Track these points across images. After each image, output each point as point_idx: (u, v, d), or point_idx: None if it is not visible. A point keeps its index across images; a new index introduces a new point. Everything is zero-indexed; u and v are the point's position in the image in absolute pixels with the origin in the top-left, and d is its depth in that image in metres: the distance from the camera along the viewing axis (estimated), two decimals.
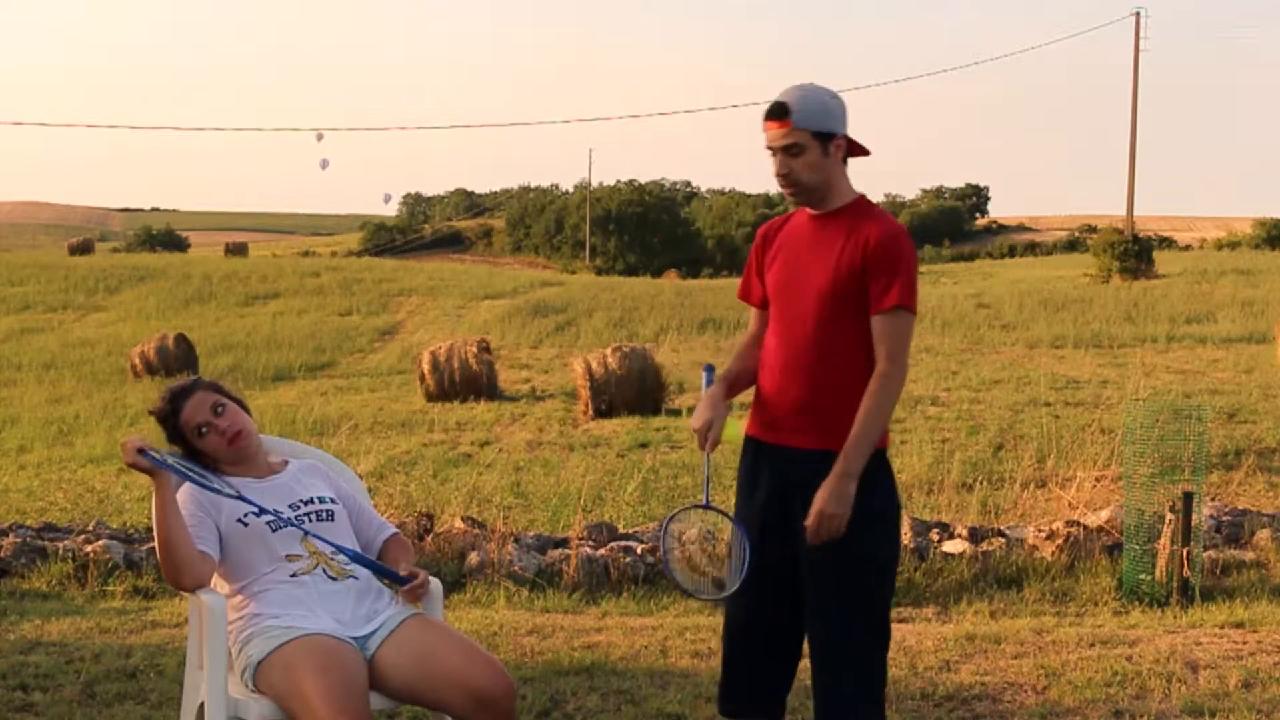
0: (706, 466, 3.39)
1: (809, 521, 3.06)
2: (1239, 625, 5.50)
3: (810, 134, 3.08)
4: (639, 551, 6.46)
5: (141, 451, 3.12)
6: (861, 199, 3.19)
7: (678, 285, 37.49)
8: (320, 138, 50.94)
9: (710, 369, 3.37)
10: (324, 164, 57.08)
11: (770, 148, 3.13)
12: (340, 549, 3.29)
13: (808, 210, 3.22)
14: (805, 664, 3.34)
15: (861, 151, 3.19)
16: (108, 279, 34.78)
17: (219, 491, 3.24)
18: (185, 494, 3.28)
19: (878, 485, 3.13)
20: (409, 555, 3.48)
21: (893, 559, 3.26)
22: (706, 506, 3.38)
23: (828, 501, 3.03)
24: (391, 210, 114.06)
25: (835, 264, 3.10)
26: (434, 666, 3.08)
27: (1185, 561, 5.95)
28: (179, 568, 3.14)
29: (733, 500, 3.41)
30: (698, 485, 9.53)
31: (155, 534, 3.18)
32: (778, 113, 3.08)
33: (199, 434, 3.33)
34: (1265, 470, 9.65)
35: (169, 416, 3.36)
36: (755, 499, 3.27)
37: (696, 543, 3.47)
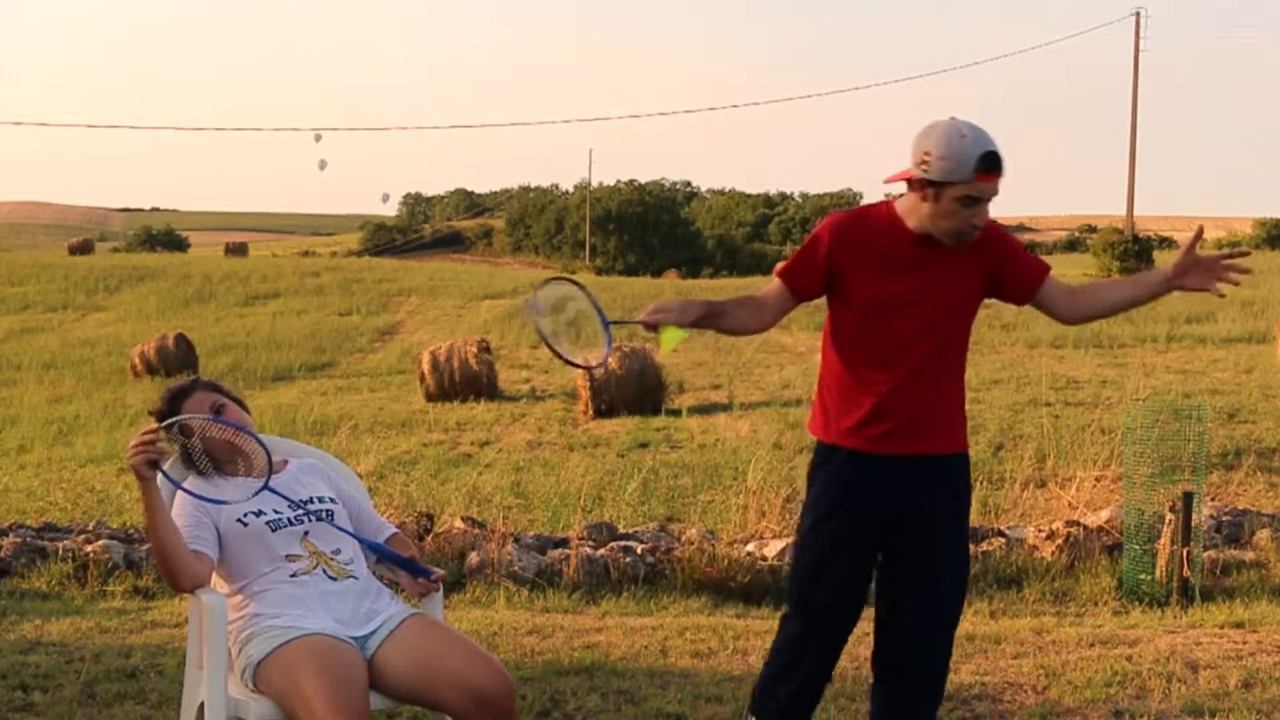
0: (627, 321, 3.50)
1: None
2: (1239, 625, 5.50)
3: None
4: (639, 551, 6.46)
5: (155, 465, 3.08)
6: None
7: (678, 285, 37.50)
8: (318, 138, 51.07)
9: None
10: (322, 164, 57.18)
11: (976, 196, 3.15)
12: (358, 538, 3.33)
13: (910, 226, 3.24)
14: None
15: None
16: (108, 279, 34.78)
17: (220, 502, 3.24)
18: (184, 495, 3.28)
19: (968, 486, 3.40)
20: (410, 555, 3.48)
21: None
22: (593, 302, 3.40)
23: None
24: (391, 210, 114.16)
25: (968, 285, 3.29)
26: (434, 666, 3.08)
27: (1185, 561, 5.95)
28: (175, 571, 3.13)
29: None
30: (697, 485, 9.54)
31: (149, 540, 3.17)
32: (999, 164, 3.13)
33: (203, 432, 3.33)
34: (1265, 470, 9.65)
35: (168, 417, 3.36)
36: (868, 514, 3.36)
37: (566, 323, 3.45)
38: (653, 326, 3.29)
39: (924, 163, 3.11)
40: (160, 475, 3.16)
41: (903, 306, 3.24)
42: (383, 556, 3.37)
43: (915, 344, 3.25)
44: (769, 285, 3.42)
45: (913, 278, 3.23)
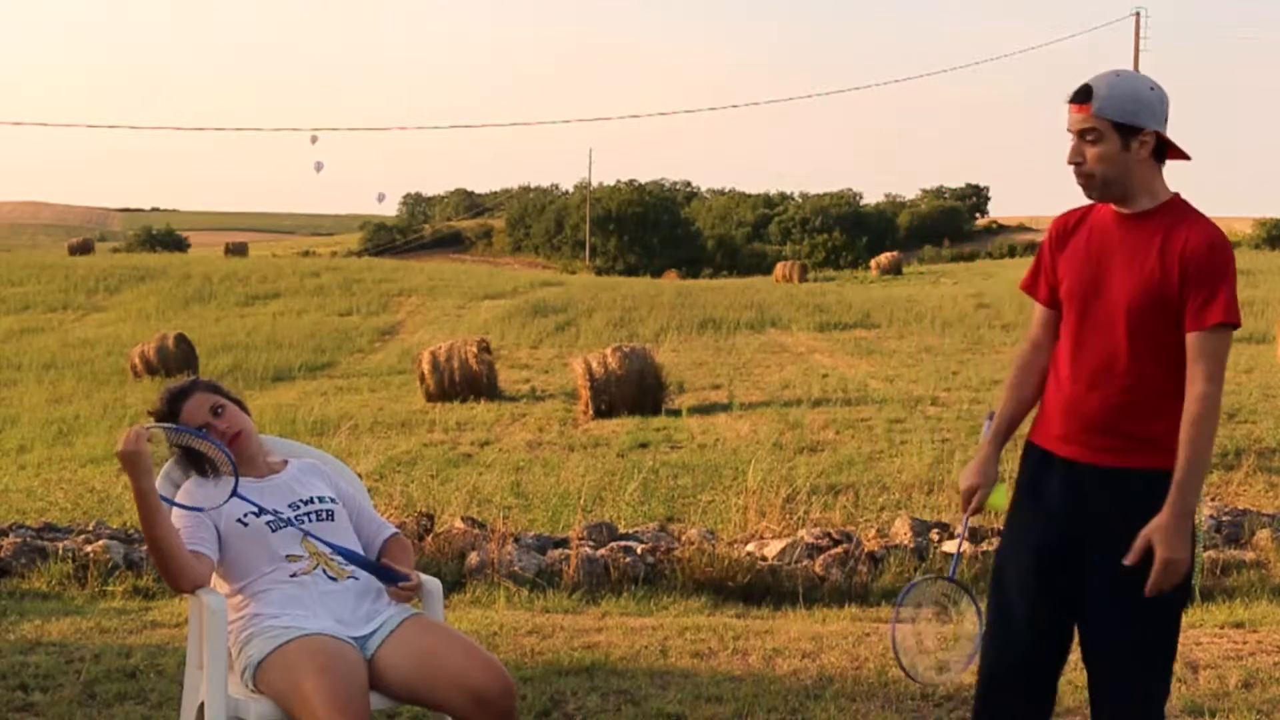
0: (964, 529, 3.29)
1: (1152, 579, 2.79)
2: (1239, 625, 5.50)
3: (1111, 124, 2.86)
4: (639, 551, 6.46)
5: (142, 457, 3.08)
6: (1176, 199, 2.95)
7: (678, 285, 37.52)
8: (315, 140, 51.07)
9: (991, 416, 3.22)
10: (318, 166, 57.26)
11: (1069, 131, 2.92)
12: (335, 548, 3.28)
13: (1113, 207, 2.98)
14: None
15: (1181, 155, 2.97)
16: (108, 279, 34.78)
17: (198, 509, 3.24)
18: (184, 494, 3.29)
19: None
20: (409, 555, 3.48)
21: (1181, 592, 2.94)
22: (952, 579, 3.23)
23: (1170, 546, 2.77)
24: (391, 210, 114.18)
25: (1149, 271, 2.87)
26: (434, 666, 3.08)
27: None
28: (174, 572, 3.13)
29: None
30: (697, 485, 9.53)
31: (147, 542, 3.17)
32: (1081, 96, 2.89)
33: (199, 434, 3.33)
34: (1265, 470, 9.65)
35: (168, 418, 3.36)
36: (1039, 511, 3.03)
37: (931, 620, 3.29)
38: (979, 508, 3.14)
39: None
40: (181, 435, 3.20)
41: None
42: (351, 560, 3.28)
43: None
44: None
45: None
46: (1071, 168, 2.94)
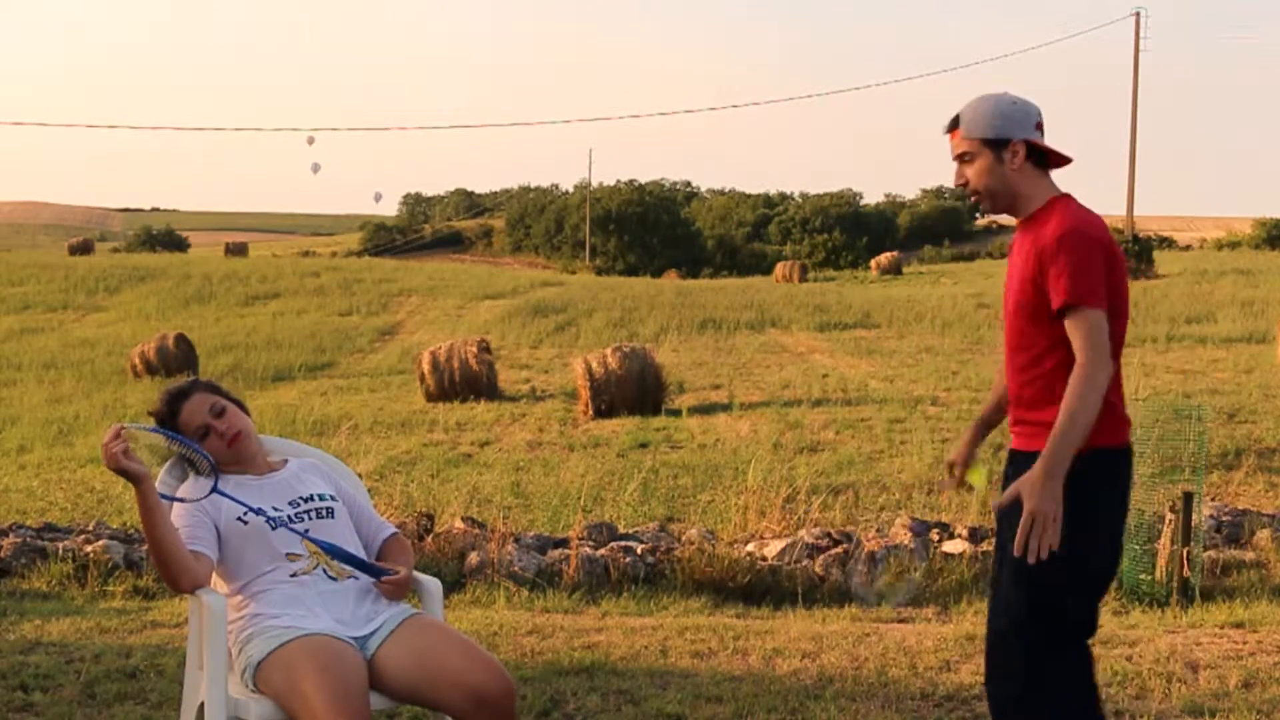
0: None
1: (1020, 532, 2.96)
2: (1239, 625, 5.50)
3: (980, 141, 3.12)
4: (639, 551, 6.46)
5: (129, 457, 3.07)
6: (1056, 200, 3.12)
7: (678, 285, 37.51)
8: (311, 141, 51.01)
9: None
10: (315, 168, 57.24)
11: (952, 158, 3.19)
12: (321, 544, 3.26)
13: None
14: None
15: (1060, 159, 3.15)
16: (108, 279, 34.79)
17: (180, 500, 3.25)
18: (184, 492, 3.29)
19: (1083, 487, 2.99)
20: (409, 555, 3.48)
21: (1080, 561, 3.06)
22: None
23: (1035, 498, 2.94)
24: (391, 210, 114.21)
25: (1022, 269, 3.11)
26: (434, 666, 3.08)
27: (1185, 561, 5.95)
28: (174, 573, 3.13)
29: None
30: (697, 485, 9.53)
31: (147, 542, 3.17)
32: (951, 125, 3.17)
33: (199, 436, 3.33)
34: (1265, 470, 9.65)
35: (168, 419, 3.36)
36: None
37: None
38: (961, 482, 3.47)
39: None
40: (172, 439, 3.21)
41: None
42: (334, 556, 3.26)
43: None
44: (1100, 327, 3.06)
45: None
46: (963, 189, 3.20)
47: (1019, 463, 3.14)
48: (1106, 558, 3.16)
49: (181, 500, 3.26)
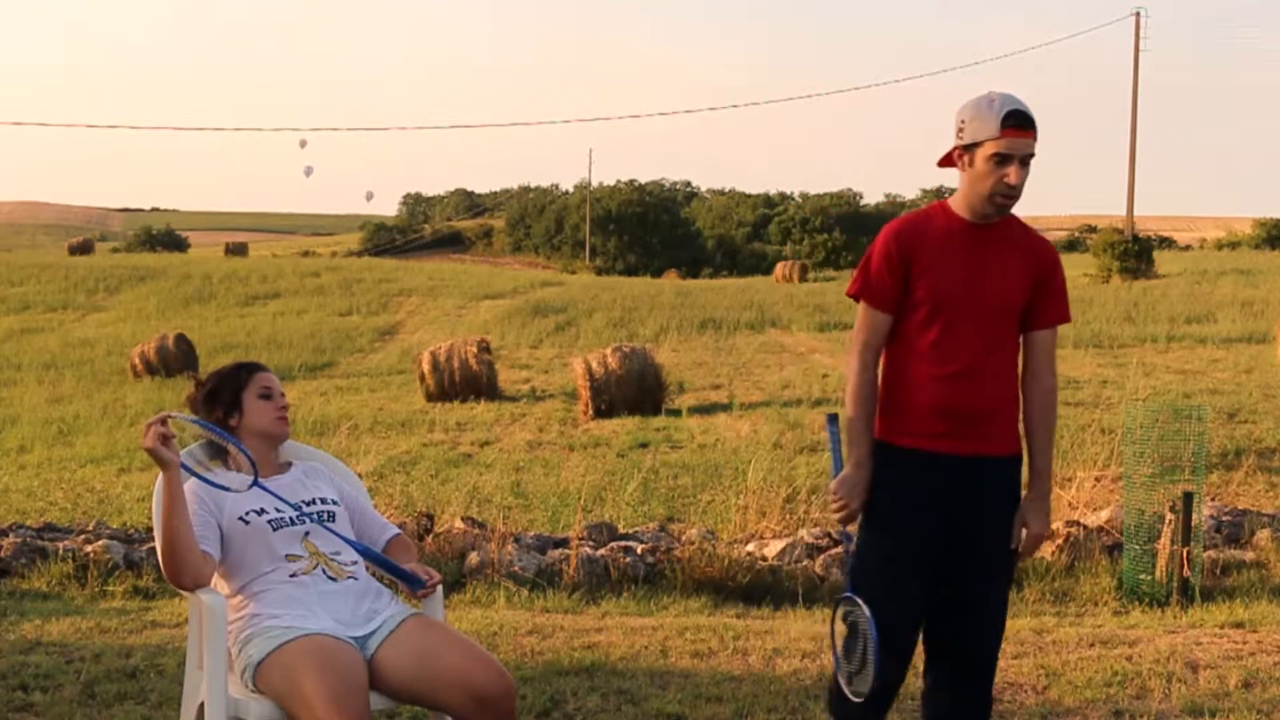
0: (848, 542, 3.36)
1: (1024, 546, 3.26)
2: (1239, 625, 5.50)
3: None
4: (639, 551, 6.46)
5: (168, 442, 3.10)
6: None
7: (678, 285, 37.53)
8: (304, 144, 51.02)
9: (833, 419, 3.35)
10: (308, 171, 57.20)
11: (1008, 155, 3.05)
12: (354, 545, 3.32)
13: (961, 217, 3.17)
14: None
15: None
16: (108, 279, 34.80)
17: (224, 488, 3.26)
18: (189, 491, 3.28)
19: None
20: (413, 555, 3.49)
21: None
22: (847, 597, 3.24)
23: (1043, 524, 3.26)
24: (391, 210, 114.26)
25: (1021, 274, 3.16)
26: (434, 666, 3.08)
27: (1185, 561, 5.95)
28: (180, 567, 3.13)
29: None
30: (697, 485, 9.53)
31: (158, 530, 3.16)
32: (1032, 122, 3.06)
33: (260, 395, 3.43)
34: (1265, 470, 9.64)
35: (234, 375, 3.45)
36: (940, 513, 3.18)
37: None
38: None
39: (960, 131, 3.13)
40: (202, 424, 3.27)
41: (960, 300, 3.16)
42: (378, 565, 3.36)
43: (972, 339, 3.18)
44: (860, 324, 3.23)
45: (966, 269, 3.16)
46: (1004, 191, 3.07)
47: (989, 470, 3.20)
48: None
49: (215, 484, 3.27)
